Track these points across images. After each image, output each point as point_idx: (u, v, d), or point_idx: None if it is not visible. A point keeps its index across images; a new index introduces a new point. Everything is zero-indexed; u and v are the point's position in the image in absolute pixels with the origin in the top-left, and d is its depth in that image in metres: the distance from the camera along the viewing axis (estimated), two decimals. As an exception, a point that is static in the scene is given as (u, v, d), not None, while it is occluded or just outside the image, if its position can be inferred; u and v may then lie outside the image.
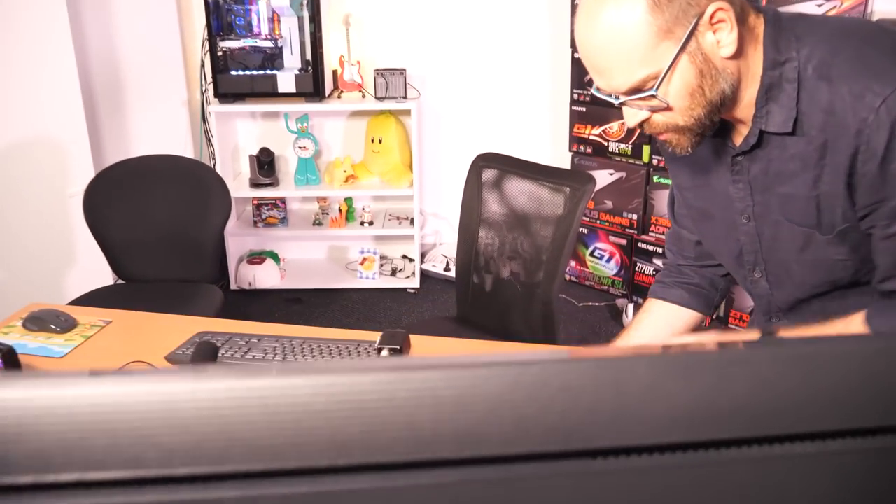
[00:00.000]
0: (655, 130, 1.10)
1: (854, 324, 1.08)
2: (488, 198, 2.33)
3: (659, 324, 1.41)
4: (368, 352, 1.61)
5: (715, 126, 1.09)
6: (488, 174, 2.32)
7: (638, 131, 3.02)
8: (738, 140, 1.14)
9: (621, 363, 0.37)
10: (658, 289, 1.46)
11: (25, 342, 1.79)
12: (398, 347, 1.35)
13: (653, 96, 1.03)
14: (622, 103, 1.06)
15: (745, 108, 1.09)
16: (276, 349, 1.66)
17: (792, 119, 1.05)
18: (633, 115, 1.08)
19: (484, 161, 2.34)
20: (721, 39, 1.00)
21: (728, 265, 1.32)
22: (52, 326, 1.83)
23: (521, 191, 2.26)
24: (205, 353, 1.38)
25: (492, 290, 2.35)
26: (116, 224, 2.57)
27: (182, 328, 1.84)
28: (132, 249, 2.59)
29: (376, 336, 1.80)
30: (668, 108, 1.05)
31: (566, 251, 2.15)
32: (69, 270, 3.11)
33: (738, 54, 1.02)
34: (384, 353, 1.35)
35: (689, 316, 1.43)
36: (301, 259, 4.26)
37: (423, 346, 1.73)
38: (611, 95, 1.06)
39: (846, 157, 1.02)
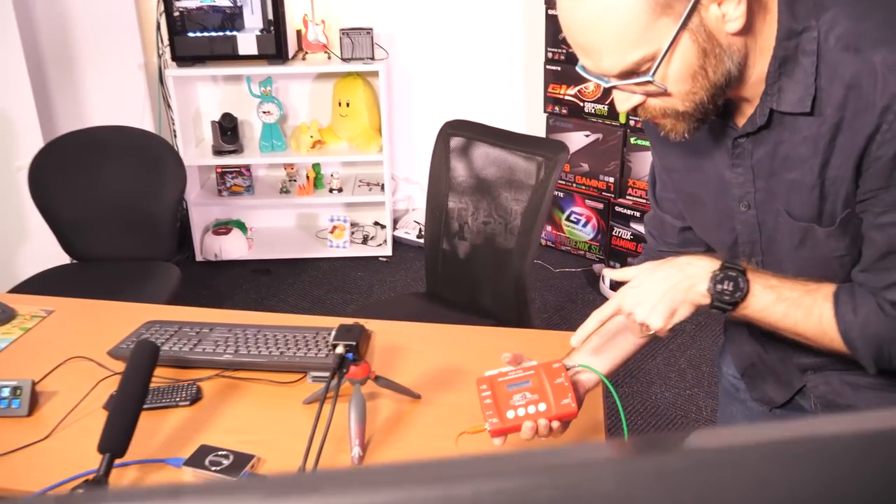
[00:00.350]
0: (651, 115, 0.98)
1: (822, 291, 0.99)
2: (457, 167, 2.21)
3: None
4: (326, 345, 1.51)
5: (718, 110, 0.97)
6: (456, 142, 2.20)
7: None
8: (742, 120, 1.02)
9: None
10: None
11: (-41, 336, 1.66)
12: (353, 344, 1.25)
13: (649, 81, 0.91)
14: (612, 87, 0.94)
15: (753, 85, 0.97)
16: (227, 340, 1.55)
17: (810, 97, 0.93)
18: (624, 100, 0.96)
19: (452, 129, 2.21)
20: (727, 13, 0.87)
21: (721, 253, 1.22)
22: (-12, 318, 1.70)
23: (491, 160, 2.15)
24: (143, 354, 1.27)
25: (463, 263, 2.25)
26: (65, 200, 2.43)
27: (130, 316, 1.72)
28: (83, 227, 2.45)
29: (338, 323, 1.69)
30: (665, 94, 0.93)
31: (538, 223, 2.04)
32: (21, 249, 2.97)
33: (747, 29, 0.90)
34: (339, 349, 1.25)
35: None
36: (269, 228, 4.12)
37: (387, 333, 1.63)
38: (600, 78, 0.94)
39: (863, 138, 0.90)
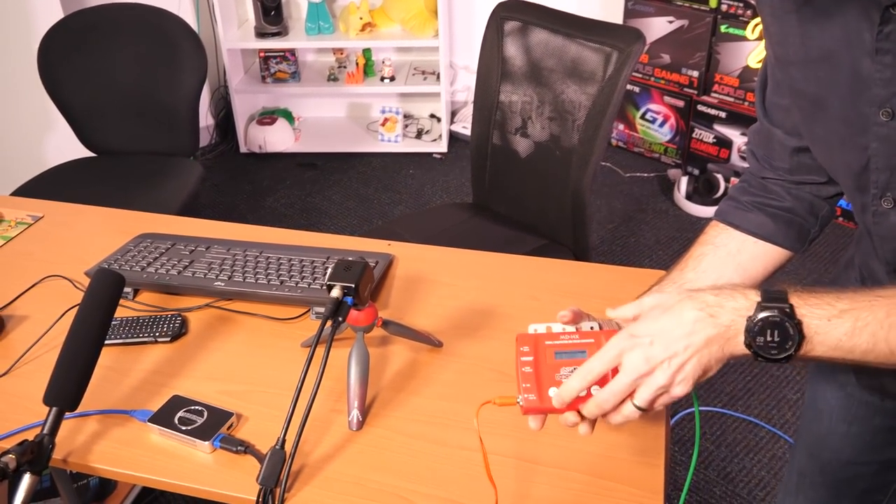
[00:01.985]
0: None
1: None
2: (511, 56, 1.87)
3: (727, 263, 0.96)
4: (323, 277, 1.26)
5: None
6: (511, 27, 1.86)
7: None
8: None
9: None
10: (730, 209, 1.00)
11: (-64, 244, 1.48)
12: (353, 286, 0.99)
13: None
14: None
15: None
16: (223, 263, 1.32)
17: None
18: None
19: (506, 11, 1.86)
20: None
21: (844, 184, 0.88)
22: (-32, 224, 1.51)
23: (551, 49, 1.80)
24: (103, 287, 1.05)
25: (514, 172, 1.95)
26: (74, 87, 2.20)
27: (123, 227, 1.51)
28: (96, 117, 2.23)
29: (358, 244, 1.44)
30: None
31: (604, 128, 1.71)
32: (45, 139, 2.78)
33: None
34: (335, 291, 1.00)
35: (772, 253, 0.98)
36: (316, 118, 3.85)
37: (412, 259, 1.37)
38: None
39: None
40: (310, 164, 3.57)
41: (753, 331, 0.73)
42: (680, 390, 0.75)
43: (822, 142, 0.87)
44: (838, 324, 0.72)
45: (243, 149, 3.65)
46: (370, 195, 3.32)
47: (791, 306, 0.73)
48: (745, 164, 1.04)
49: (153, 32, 2.15)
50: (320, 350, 0.96)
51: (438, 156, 3.59)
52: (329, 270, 1.03)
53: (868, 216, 0.84)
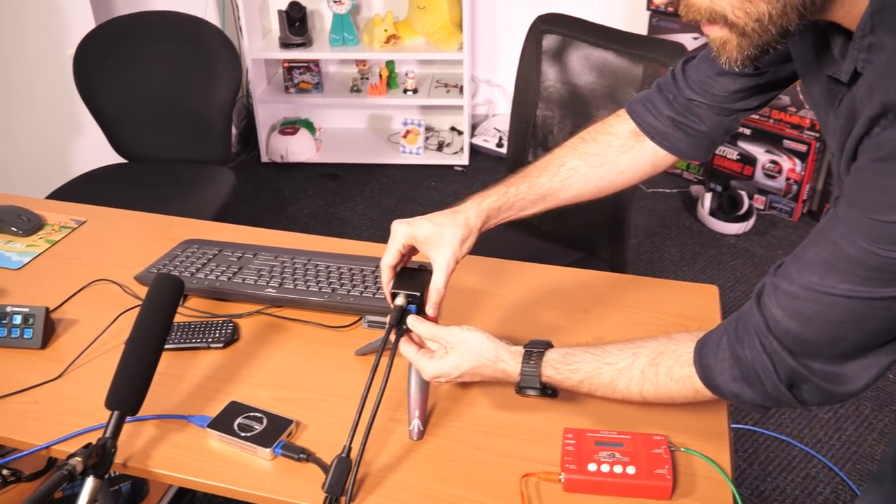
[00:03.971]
0: (693, 14, 0.74)
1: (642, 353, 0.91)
2: (549, 70, 1.88)
3: (590, 181, 1.12)
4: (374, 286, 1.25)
5: (787, 38, 0.72)
6: (550, 41, 1.86)
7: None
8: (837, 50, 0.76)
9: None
10: (646, 114, 1.09)
11: (-20, 246, 1.48)
12: (418, 294, 0.99)
13: None
14: None
15: (847, 15, 0.71)
16: (272, 270, 1.31)
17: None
18: None
19: (545, 24, 1.87)
20: None
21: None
22: (13, 228, 1.51)
23: (591, 63, 1.81)
24: (164, 291, 1.04)
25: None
26: (109, 94, 2.20)
27: (167, 233, 1.51)
28: (129, 124, 2.23)
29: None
30: None
31: (645, 143, 1.71)
32: (75, 145, 2.79)
33: None
34: (399, 299, 0.99)
35: (666, 162, 1.11)
36: (338, 129, 3.86)
37: (461, 270, 1.36)
38: None
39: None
40: (331, 174, 3.58)
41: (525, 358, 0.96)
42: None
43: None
44: (579, 386, 0.94)
45: (265, 158, 3.65)
46: (392, 206, 3.32)
47: (540, 372, 0.95)
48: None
49: (189, 40, 2.16)
50: (383, 358, 0.96)
51: (460, 168, 3.59)
52: (393, 279, 1.02)
53: None
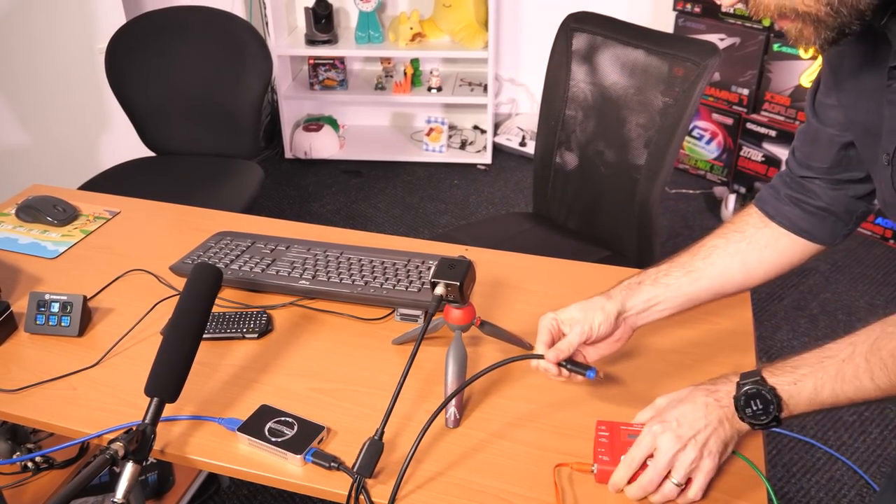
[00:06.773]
0: (763, 12, 0.76)
1: (859, 348, 0.85)
2: (579, 70, 1.88)
3: (734, 259, 1.05)
4: (419, 277, 1.26)
5: (864, 21, 0.72)
6: (581, 40, 1.86)
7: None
8: None
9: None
10: (769, 199, 1.06)
11: (17, 236, 1.51)
12: (458, 283, 1.00)
13: None
14: None
15: None
16: (305, 262, 1.33)
17: None
18: None
19: (576, 23, 1.87)
20: None
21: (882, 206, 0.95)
22: (49, 218, 1.53)
23: (622, 62, 1.81)
24: (203, 281, 1.06)
25: (578, 183, 1.95)
26: (140, 87, 2.23)
27: (200, 224, 1.52)
28: (160, 117, 2.25)
29: (432, 248, 1.45)
30: None
31: (675, 142, 1.72)
32: (103, 138, 2.82)
33: None
34: (439, 289, 1.00)
35: (801, 249, 1.05)
36: (362, 126, 3.88)
37: (487, 263, 1.37)
38: None
39: None
40: (354, 171, 3.59)
41: (740, 403, 0.88)
42: (709, 463, 0.89)
43: (868, 156, 0.93)
44: (802, 386, 0.86)
45: (288, 154, 3.68)
46: (415, 204, 3.34)
47: (762, 378, 0.87)
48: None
49: (220, 35, 2.18)
50: (413, 346, 0.97)
51: (483, 167, 3.59)
52: (433, 268, 1.03)
53: None
